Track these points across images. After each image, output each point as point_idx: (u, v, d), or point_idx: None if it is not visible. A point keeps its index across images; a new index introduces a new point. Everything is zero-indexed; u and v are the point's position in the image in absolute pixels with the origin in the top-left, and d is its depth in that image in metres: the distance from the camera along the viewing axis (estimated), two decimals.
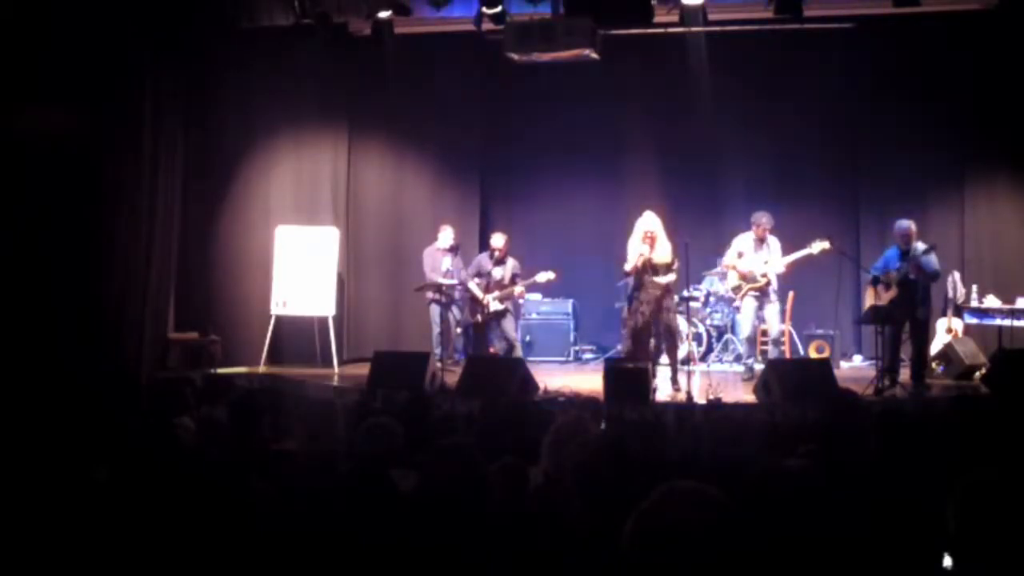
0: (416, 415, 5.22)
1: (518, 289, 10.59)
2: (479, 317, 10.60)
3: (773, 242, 9.66)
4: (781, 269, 9.59)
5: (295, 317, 11.22)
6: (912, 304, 8.86)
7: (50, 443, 4.21)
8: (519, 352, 10.64)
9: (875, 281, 9.09)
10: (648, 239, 8.83)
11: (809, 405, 7.28)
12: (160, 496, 3.33)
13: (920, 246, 8.97)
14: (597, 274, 11.69)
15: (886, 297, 8.96)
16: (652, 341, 9.10)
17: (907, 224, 9.08)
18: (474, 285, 10.59)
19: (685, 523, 2.05)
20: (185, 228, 11.61)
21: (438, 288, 10.22)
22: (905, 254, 8.97)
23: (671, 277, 8.88)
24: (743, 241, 9.75)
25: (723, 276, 11.22)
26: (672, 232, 9.04)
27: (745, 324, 9.91)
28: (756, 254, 9.65)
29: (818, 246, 9.56)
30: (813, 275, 10.45)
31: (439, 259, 10.69)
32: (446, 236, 10.81)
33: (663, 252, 8.85)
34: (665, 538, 2.05)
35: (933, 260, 8.94)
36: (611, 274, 10.93)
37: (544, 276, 10.56)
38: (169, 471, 3.61)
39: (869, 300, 9.23)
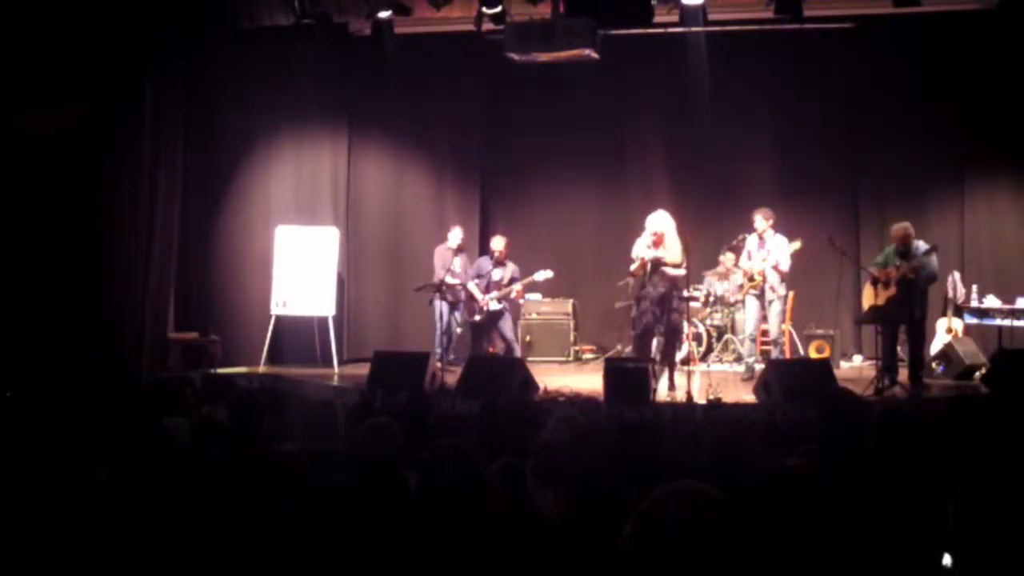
0: (416, 415, 5.22)
1: (516, 287, 10.59)
2: (477, 317, 10.61)
3: (775, 240, 9.64)
4: (784, 267, 9.53)
5: (295, 317, 11.22)
6: (910, 304, 8.85)
7: (50, 443, 4.21)
8: (517, 352, 10.65)
9: (875, 282, 9.05)
10: (655, 239, 8.79)
11: (809, 405, 7.27)
12: (160, 496, 3.33)
13: (922, 246, 8.95)
14: (597, 274, 11.69)
15: (884, 296, 8.95)
16: (658, 340, 9.07)
17: (903, 225, 9.05)
18: (473, 286, 10.60)
19: (685, 523, 2.05)
20: (185, 228, 11.60)
21: (439, 288, 10.21)
22: (903, 255, 8.96)
23: (680, 272, 8.82)
24: (750, 241, 9.78)
25: (724, 276, 11.23)
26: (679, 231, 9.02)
27: (748, 322, 9.91)
28: (758, 253, 9.68)
29: (792, 246, 9.58)
30: (813, 275, 10.46)
31: (449, 258, 10.67)
32: (455, 236, 10.82)
33: (672, 252, 8.80)
34: (665, 538, 2.04)
35: (934, 262, 8.93)
36: (611, 274, 10.93)
37: (543, 275, 10.55)
38: (169, 471, 3.61)
39: (867, 300, 9.22)
